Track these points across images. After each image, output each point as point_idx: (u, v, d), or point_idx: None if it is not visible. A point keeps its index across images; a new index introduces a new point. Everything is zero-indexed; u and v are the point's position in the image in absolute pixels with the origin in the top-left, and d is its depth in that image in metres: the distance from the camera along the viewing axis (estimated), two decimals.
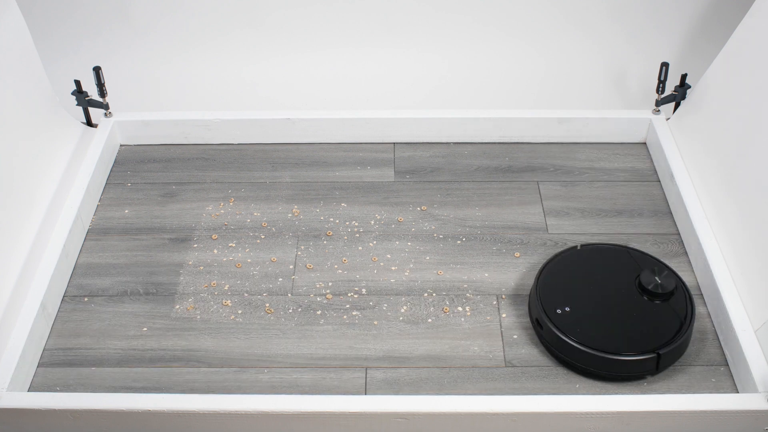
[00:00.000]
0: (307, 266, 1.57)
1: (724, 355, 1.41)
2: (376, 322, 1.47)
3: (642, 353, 1.33)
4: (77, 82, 1.81)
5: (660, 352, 1.33)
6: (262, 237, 1.63)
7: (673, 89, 1.81)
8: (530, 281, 1.53)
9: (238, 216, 1.68)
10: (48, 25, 2.11)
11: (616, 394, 1.34)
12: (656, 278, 1.42)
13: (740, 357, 1.35)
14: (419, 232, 1.64)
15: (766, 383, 1.30)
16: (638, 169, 1.77)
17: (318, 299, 1.51)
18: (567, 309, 1.40)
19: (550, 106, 2.00)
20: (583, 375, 1.37)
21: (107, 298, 1.52)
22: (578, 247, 1.51)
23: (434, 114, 1.82)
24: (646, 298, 1.41)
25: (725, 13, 2.08)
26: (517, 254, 1.58)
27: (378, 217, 1.67)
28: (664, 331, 1.36)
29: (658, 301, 1.40)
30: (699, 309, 1.48)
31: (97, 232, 1.65)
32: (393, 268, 1.56)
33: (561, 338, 1.36)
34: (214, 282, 1.54)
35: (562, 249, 1.54)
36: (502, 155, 1.81)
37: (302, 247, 1.61)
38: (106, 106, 1.82)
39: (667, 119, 1.82)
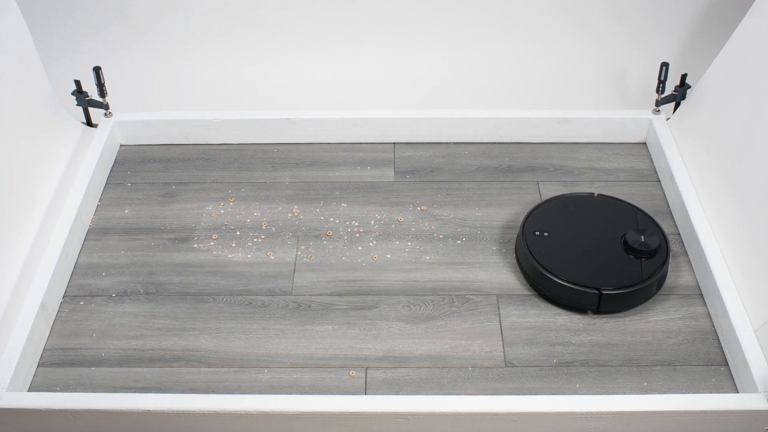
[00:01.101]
0: (307, 266, 1.57)
1: (724, 355, 1.41)
2: (376, 322, 1.47)
3: (585, 287, 1.45)
4: (77, 82, 1.81)
5: (603, 292, 1.44)
6: (262, 237, 1.63)
7: (673, 89, 1.81)
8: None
9: (238, 216, 1.68)
10: (48, 25, 2.11)
11: (616, 394, 1.34)
12: (641, 237, 1.51)
13: (740, 357, 1.35)
14: (419, 232, 1.64)
15: (766, 383, 1.30)
16: (638, 169, 1.77)
17: (318, 299, 1.51)
18: (546, 234, 1.53)
19: (550, 106, 2.00)
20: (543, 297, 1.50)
21: (107, 298, 1.52)
22: (595, 195, 1.62)
23: (434, 114, 1.82)
24: (629, 253, 1.50)
25: (725, 13, 2.08)
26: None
27: (378, 217, 1.67)
28: (619, 277, 1.46)
29: (642, 257, 1.50)
30: (699, 309, 1.48)
31: (97, 232, 1.65)
32: (393, 268, 1.56)
33: (525, 252, 1.51)
34: (214, 282, 1.54)
35: (579, 192, 1.66)
36: (502, 155, 1.81)
37: (302, 247, 1.61)
38: (106, 106, 1.82)
39: (667, 119, 1.82)
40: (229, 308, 1.50)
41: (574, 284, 1.45)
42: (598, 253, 1.50)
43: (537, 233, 1.54)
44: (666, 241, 1.52)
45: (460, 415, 1.27)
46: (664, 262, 1.49)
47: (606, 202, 1.61)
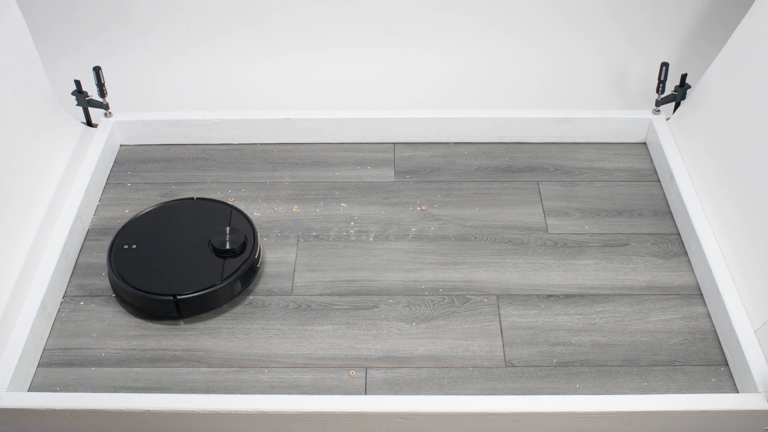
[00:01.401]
0: (307, 266, 1.57)
1: (724, 355, 1.41)
2: (376, 322, 1.47)
3: (160, 294, 1.45)
4: (77, 82, 1.81)
5: (178, 297, 1.44)
6: (263, 237, 1.63)
7: (673, 89, 1.81)
8: (530, 281, 1.53)
9: None
10: (48, 25, 2.11)
11: (616, 394, 1.34)
12: (225, 237, 1.52)
13: (740, 357, 1.35)
14: (419, 232, 1.64)
15: (766, 383, 1.30)
16: (638, 169, 1.77)
17: (318, 299, 1.51)
18: (135, 246, 1.53)
19: (550, 106, 2.00)
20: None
21: (107, 298, 1.52)
22: (194, 199, 1.63)
23: (434, 114, 1.82)
24: (218, 255, 1.51)
25: (725, 13, 2.08)
26: (517, 254, 1.58)
27: (378, 217, 1.67)
28: (196, 280, 1.47)
29: (226, 257, 1.51)
30: (699, 309, 1.48)
31: (97, 232, 1.65)
32: (393, 268, 1.56)
33: (108, 266, 1.50)
34: None
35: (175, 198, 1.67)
36: (502, 155, 1.81)
37: (302, 247, 1.61)
38: (106, 106, 1.82)
39: (667, 119, 1.82)
40: (229, 308, 1.50)
41: (149, 292, 1.45)
42: (185, 258, 1.50)
43: (126, 247, 1.53)
44: (255, 237, 1.53)
45: (460, 415, 1.27)
46: (247, 258, 1.50)
47: (204, 205, 1.62)
